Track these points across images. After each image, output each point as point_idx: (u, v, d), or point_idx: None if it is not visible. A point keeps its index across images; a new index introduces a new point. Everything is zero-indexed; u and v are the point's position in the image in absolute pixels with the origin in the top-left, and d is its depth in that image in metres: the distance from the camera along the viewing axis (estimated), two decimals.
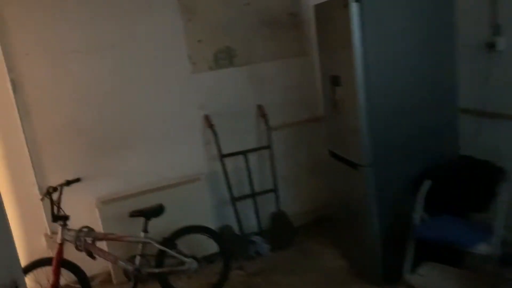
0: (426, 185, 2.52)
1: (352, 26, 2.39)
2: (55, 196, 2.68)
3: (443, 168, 2.60)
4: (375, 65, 2.47)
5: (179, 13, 3.15)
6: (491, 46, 2.58)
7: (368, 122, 2.53)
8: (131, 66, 3.09)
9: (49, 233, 3.00)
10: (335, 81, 2.78)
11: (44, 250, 2.98)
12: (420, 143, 2.64)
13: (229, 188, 3.33)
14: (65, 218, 2.67)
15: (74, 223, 2.71)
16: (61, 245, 2.65)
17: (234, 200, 3.35)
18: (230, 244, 3.20)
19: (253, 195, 3.43)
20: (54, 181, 2.85)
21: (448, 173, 2.56)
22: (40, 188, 2.92)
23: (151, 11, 3.08)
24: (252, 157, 3.46)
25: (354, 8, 2.37)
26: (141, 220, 2.76)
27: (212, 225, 3.19)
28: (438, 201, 2.53)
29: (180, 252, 2.80)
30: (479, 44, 2.65)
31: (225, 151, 3.31)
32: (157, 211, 2.79)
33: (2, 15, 2.75)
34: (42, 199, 2.69)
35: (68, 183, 2.85)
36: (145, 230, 2.75)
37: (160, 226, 2.82)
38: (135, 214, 2.79)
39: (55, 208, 2.65)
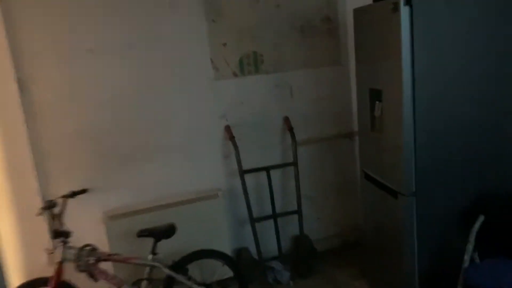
0: (480, 221, 2.16)
1: (401, 33, 2.07)
2: (56, 209, 2.42)
3: (500, 201, 2.23)
4: (425, 79, 2.14)
5: (203, 13, 2.88)
6: None
7: (413, 145, 2.20)
8: (148, 70, 2.83)
9: (50, 248, 2.74)
10: (375, 95, 2.45)
11: (45, 267, 2.72)
12: (474, 171, 2.28)
13: (249, 207, 3.03)
14: (66, 234, 2.41)
15: (78, 240, 2.45)
16: (60, 264, 2.39)
17: (253, 220, 3.04)
18: (247, 270, 2.90)
19: (274, 216, 3.12)
20: (59, 191, 2.60)
21: (506, 208, 2.19)
22: (43, 198, 2.67)
23: (172, 10, 2.82)
24: (275, 174, 3.16)
25: (404, 12, 2.05)
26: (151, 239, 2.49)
27: (228, 247, 2.93)
28: (492, 241, 2.17)
29: (190, 279, 2.52)
30: None
31: (246, 166, 3.02)
32: (167, 232, 2.51)
33: (11, 8, 2.52)
34: (39, 214, 2.43)
35: (74, 194, 2.59)
36: (154, 252, 2.48)
37: (172, 246, 2.57)
38: (143, 234, 2.51)
39: (57, 222, 2.41)
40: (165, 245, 2.52)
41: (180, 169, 2.97)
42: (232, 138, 2.99)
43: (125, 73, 2.80)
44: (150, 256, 2.47)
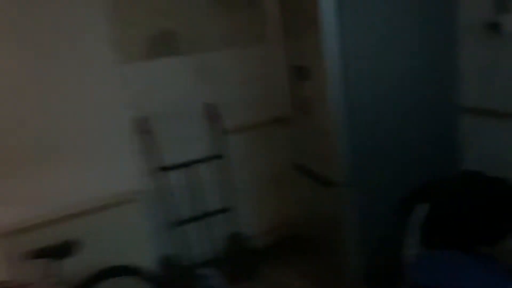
0: (420, 210, 1.93)
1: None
2: None
3: (441, 187, 2.00)
4: (353, 53, 1.86)
5: None
6: (495, 27, 1.97)
7: (345, 127, 1.94)
8: (38, 56, 2.36)
9: None
10: (302, 73, 2.15)
11: None
12: (412, 154, 2.05)
13: (171, 209, 2.66)
14: None
15: None
16: None
17: (179, 223, 2.68)
18: (175, 280, 2.56)
19: (203, 216, 2.78)
20: None
21: (448, 194, 1.96)
22: None
23: None
24: (203, 169, 2.79)
25: None
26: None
27: (151, 257, 2.56)
28: (435, 231, 1.94)
29: None
30: (482, 25, 2.04)
31: (166, 162, 2.64)
32: (62, 250, 2.10)
33: None
34: None
35: None
36: (52, 275, 2.06)
37: (82, 264, 2.21)
38: (37, 255, 2.09)
39: None
40: (75, 264, 2.14)
41: (86, 172, 2.53)
42: (147, 131, 2.59)
43: (10, 61, 2.30)
44: (49, 280, 2.06)
